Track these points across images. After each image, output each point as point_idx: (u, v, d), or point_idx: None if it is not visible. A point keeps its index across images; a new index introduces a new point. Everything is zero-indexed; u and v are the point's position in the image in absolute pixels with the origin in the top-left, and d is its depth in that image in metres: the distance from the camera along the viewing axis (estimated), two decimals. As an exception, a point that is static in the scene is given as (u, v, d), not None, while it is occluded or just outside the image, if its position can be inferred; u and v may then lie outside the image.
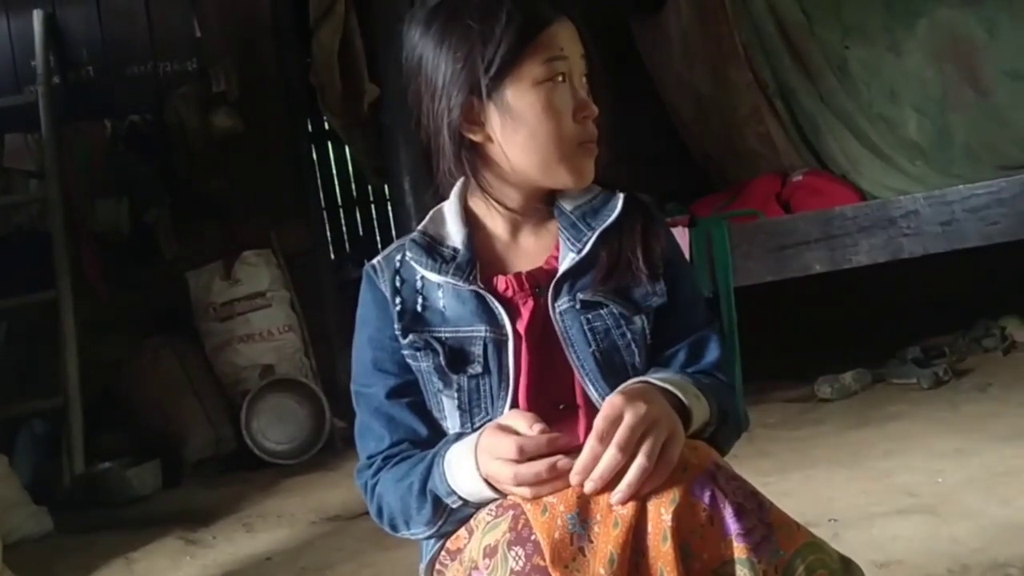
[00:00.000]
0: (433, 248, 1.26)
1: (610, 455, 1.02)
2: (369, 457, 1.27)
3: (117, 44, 4.42)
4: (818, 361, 3.82)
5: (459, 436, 1.20)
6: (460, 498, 1.14)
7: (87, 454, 3.73)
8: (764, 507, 1.03)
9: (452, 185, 1.31)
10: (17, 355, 3.97)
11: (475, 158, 1.25)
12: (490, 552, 1.07)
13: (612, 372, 1.20)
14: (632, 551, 1.02)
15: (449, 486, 1.14)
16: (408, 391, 1.26)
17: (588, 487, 1.03)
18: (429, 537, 1.23)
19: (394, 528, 1.24)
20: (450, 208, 1.30)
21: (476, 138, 1.23)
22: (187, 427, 3.88)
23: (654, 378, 1.14)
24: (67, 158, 4.10)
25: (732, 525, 1.01)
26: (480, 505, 1.14)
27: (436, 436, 1.25)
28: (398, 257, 1.29)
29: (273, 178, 4.44)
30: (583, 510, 1.03)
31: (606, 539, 1.02)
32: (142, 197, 4.17)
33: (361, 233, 5.78)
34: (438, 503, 1.16)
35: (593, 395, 1.20)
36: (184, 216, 4.27)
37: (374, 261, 1.31)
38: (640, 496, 1.02)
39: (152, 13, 4.47)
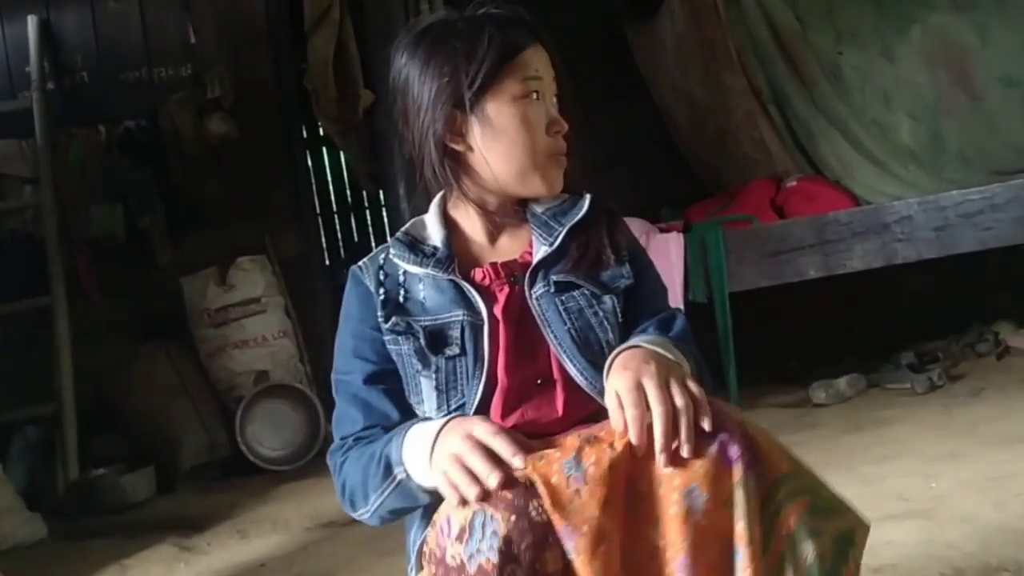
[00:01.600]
0: (415, 245, 1.37)
1: (655, 397, 1.08)
2: (342, 439, 1.35)
3: (112, 50, 4.43)
4: (813, 366, 3.83)
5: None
6: (405, 471, 1.20)
7: (81, 460, 3.73)
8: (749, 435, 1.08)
9: (437, 192, 1.41)
10: (11, 361, 3.96)
11: (457, 166, 1.36)
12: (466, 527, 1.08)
13: (588, 348, 1.29)
14: (631, 496, 1.06)
15: (400, 455, 1.21)
16: (385, 378, 1.34)
17: (658, 437, 1.06)
18: (374, 516, 1.27)
19: (353, 505, 1.30)
20: (430, 215, 1.41)
21: (458, 148, 1.35)
22: (181, 433, 3.87)
23: (640, 340, 1.22)
24: (61, 164, 4.10)
25: (732, 452, 1.06)
26: (422, 489, 1.19)
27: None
28: (382, 256, 1.39)
29: (268, 184, 4.44)
30: (579, 454, 1.07)
31: (602, 481, 1.05)
32: (136, 203, 4.17)
33: (356, 239, 5.77)
34: (388, 470, 1.22)
35: (571, 369, 1.28)
36: (178, 222, 4.27)
37: (359, 263, 1.41)
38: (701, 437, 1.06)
39: (146, 19, 4.47)
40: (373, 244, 5.59)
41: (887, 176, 3.78)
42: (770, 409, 3.59)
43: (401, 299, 1.34)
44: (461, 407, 1.28)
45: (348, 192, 5.72)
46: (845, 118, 3.92)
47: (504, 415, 1.27)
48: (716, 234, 3.37)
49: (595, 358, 1.27)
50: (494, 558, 1.03)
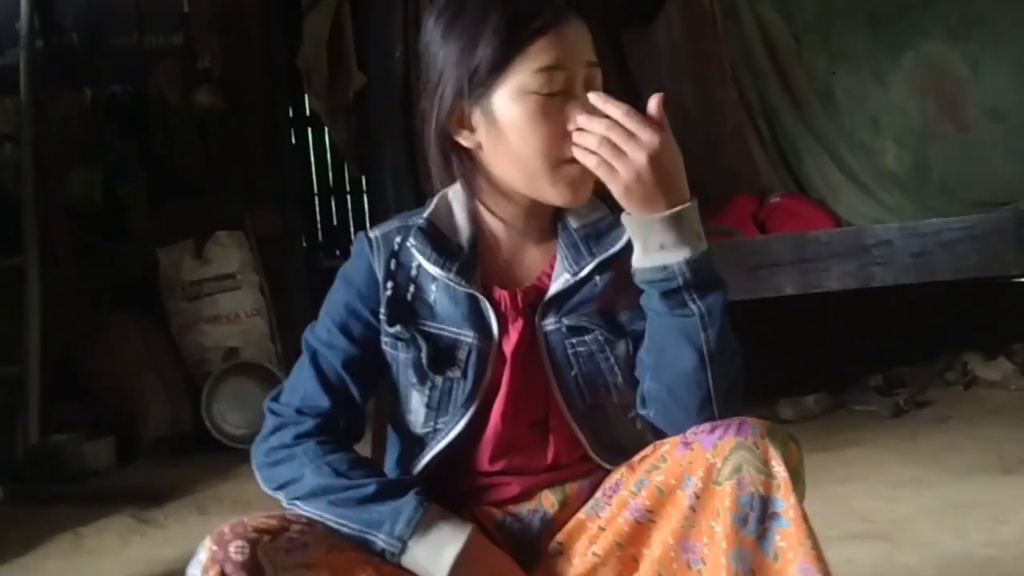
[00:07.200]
0: (439, 241, 1.22)
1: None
2: (300, 412, 1.22)
3: (103, 12, 4.36)
4: (781, 382, 3.84)
5: (426, 487, 1.18)
6: (400, 550, 1.12)
7: (42, 425, 3.68)
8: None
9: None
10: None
11: (468, 163, 1.21)
12: None
13: (593, 392, 1.22)
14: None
15: (406, 536, 1.12)
16: (363, 367, 1.24)
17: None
18: (303, 509, 1.17)
19: (283, 490, 1.19)
20: (458, 201, 1.25)
21: (466, 143, 1.19)
22: (146, 404, 3.83)
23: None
24: (43, 124, 4.05)
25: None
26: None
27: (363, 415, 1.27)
28: (397, 239, 1.25)
29: (251, 160, 4.40)
30: None
31: None
32: (117, 170, 4.12)
33: (335, 222, 5.74)
34: (372, 526, 1.13)
35: (566, 415, 1.21)
36: (158, 192, 4.23)
37: (372, 235, 1.27)
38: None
39: (140, -17, 4.42)
40: (352, 229, 5.56)
41: (870, 200, 3.80)
42: (737, 422, 3.60)
43: (409, 297, 1.22)
44: (446, 430, 1.21)
45: (330, 175, 5.69)
46: (833, 139, 3.94)
47: (492, 460, 1.23)
48: (697, 245, 3.37)
49: (597, 401, 1.21)
50: None
